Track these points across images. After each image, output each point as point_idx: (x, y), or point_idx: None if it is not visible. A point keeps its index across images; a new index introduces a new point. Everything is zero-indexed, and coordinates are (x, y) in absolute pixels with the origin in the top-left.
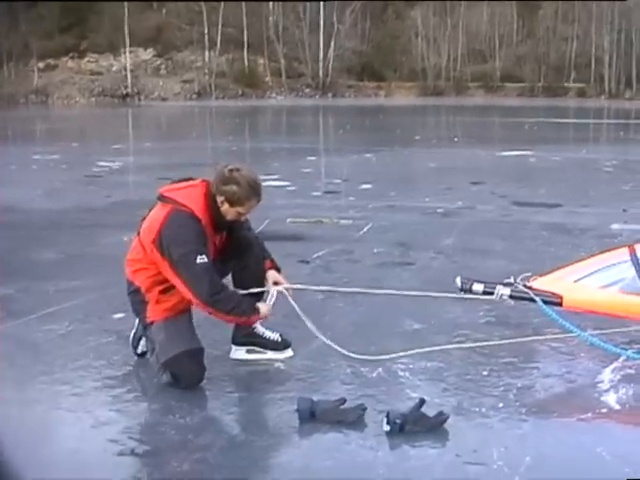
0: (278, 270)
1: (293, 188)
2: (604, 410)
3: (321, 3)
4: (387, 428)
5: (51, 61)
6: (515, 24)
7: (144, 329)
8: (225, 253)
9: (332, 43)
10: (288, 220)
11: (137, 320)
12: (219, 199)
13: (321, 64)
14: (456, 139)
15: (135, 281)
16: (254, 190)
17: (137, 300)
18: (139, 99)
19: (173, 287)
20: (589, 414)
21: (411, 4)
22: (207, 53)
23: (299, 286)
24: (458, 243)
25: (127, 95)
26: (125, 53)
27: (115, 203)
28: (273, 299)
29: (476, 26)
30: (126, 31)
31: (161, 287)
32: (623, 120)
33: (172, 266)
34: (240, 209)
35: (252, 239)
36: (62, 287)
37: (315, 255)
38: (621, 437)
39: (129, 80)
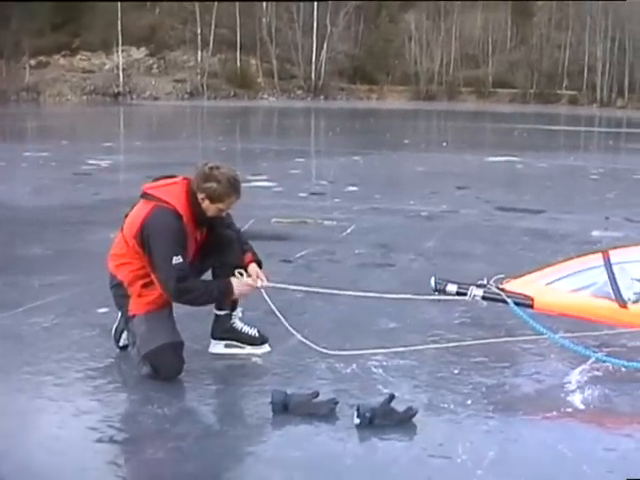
0: (259, 264)
1: (280, 189)
2: (569, 410)
3: (314, 5)
4: (357, 421)
5: (43, 58)
6: (509, 30)
7: (126, 322)
8: (206, 249)
9: (325, 45)
10: (273, 220)
11: (119, 313)
12: (200, 196)
13: (313, 66)
14: (445, 144)
15: (118, 275)
16: (234, 187)
17: (119, 294)
18: (131, 98)
19: (152, 282)
20: (554, 413)
21: (405, 7)
22: (200, 53)
23: (279, 285)
24: (439, 246)
25: (119, 94)
26: (117, 52)
27: (103, 201)
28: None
29: (469, 31)
30: (119, 30)
31: (143, 281)
32: (614, 129)
33: (150, 262)
34: (220, 205)
35: (232, 236)
36: (48, 282)
37: (298, 255)
38: (583, 436)
39: (121, 79)
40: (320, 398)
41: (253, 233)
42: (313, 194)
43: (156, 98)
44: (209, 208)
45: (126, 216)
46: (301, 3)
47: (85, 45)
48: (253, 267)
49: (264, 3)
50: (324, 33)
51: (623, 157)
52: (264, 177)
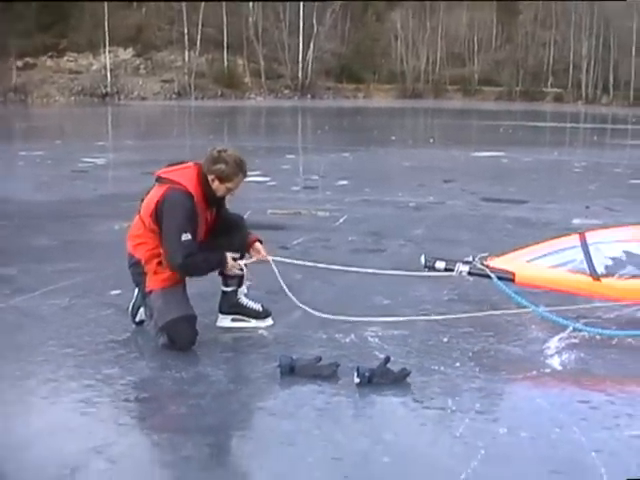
0: (260, 242)
1: (273, 183)
2: (548, 370)
3: (301, 4)
4: (357, 380)
5: (30, 60)
6: (494, 29)
7: (143, 298)
8: (215, 230)
9: (311, 44)
10: (269, 211)
11: (136, 291)
12: (210, 177)
13: (300, 65)
14: (432, 140)
15: (136, 254)
16: (240, 167)
17: (137, 272)
18: (119, 98)
19: None
20: (534, 373)
21: (391, 6)
22: (187, 53)
23: (285, 260)
24: (427, 233)
25: (107, 94)
26: (105, 52)
27: (102, 196)
28: (251, 260)
29: (455, 30)
30: (106, 30)
31: (158, 259)
32: (599, 125)
33: (161, 235)
34: (229, 185)
35: (239, 219)
36: (59, 268)
37: (294, 242)
38: (560, 391)
39: (109, 79)
40: (323, 362)
41: (251, 223)
42: (306, 188)
43: (144, 98)
44: (219, 188)
45: (141, 200)
46: (287, 3)
47: (72, 46)
48: (257, 245)
49: (250, 3)
50: (311, 32)
51: (606, 152)
52: (257, 172)
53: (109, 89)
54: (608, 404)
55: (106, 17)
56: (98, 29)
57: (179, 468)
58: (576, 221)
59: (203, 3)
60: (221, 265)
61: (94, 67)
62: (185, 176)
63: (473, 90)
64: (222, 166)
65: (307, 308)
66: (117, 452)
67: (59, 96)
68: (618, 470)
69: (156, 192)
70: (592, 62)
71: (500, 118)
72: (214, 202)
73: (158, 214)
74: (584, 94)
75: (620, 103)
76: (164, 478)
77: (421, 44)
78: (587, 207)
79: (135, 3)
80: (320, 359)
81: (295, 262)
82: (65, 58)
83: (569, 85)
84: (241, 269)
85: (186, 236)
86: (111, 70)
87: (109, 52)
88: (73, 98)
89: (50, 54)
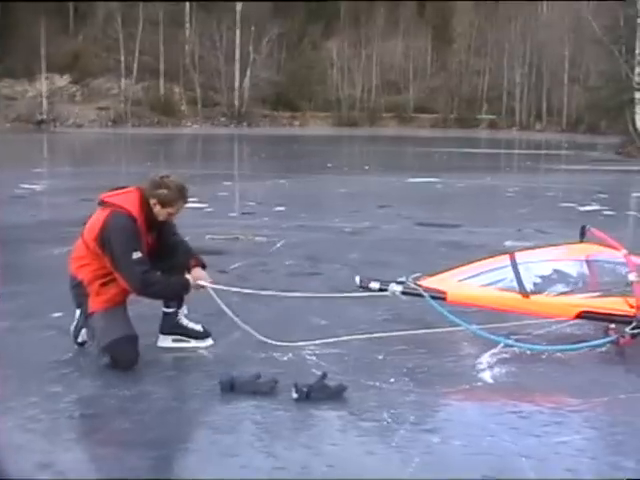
0: (203, 267)
1: (211, 209)
2: (480, 384)
3: (237, 32)
4: (295, 396)
5: None
6: (429, 57)
7: (85, 319)
8: (156, 254)
9: (248, 72)
10: (207, 237)
11: (78, 312)
12: (152, 201)
13: (237, 93)
14: (367, 167)
15: (78, 275)
16: (181, 193)
17: (79, 293)
18: (54, 125)
19: (112, 281)
20: (466, 386)
21: (327, 35)
22: (123, 80)
23: (220, 286)
24: (362, 257)
25: (42, 121)
26: (41, 79)
27: (41, 221)
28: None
29: (390, 58)
30: (42, 56)
31: (101, 281)
32: (533, 150)
33: (112, 261)
34: (170, 209)
35: (178, 244)
36: (1, 292)
37: (232, 266)
38: (491, 403)
39: (44, 106)
40: (262, 379)
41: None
42: (243, 214)
43: (79, 126)
44: (160, 213)
45: (84, 224)
46: (224, 31)
47: (7, 72)
48: (198, 270)
49: (187, 30)
50: (247, 60)
51: (539, 176)
52: (194, 199)
53: (45, 116)
54: (537, 414)
55: (42, 43)
56: (34, 55)
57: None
58: (508, 243)
59: (140, 31)
60: (185, 289)
61: (30, 94)
62: (128, 200)
63: (408, 117)
64: (164, 191)
65: (250, 330)
66: (63, 466)
67: None
68: (546, 474)
69: (99, 216)
70: (525, 89)
71: (435, 145)
72: (155, 226)
73: (103, 238)
74: (518, 120)
75: (553, 129)
76: None
77: (356, 72)
78: (519, 230)
79: (72, 29)
80: (259, 376)
81: (232, 289)
82: (1, 84)
83: (503, 112)
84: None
85: (137, 254)
86: (47, 97)
87: (45, 79)
88: (8, 125)
89: None
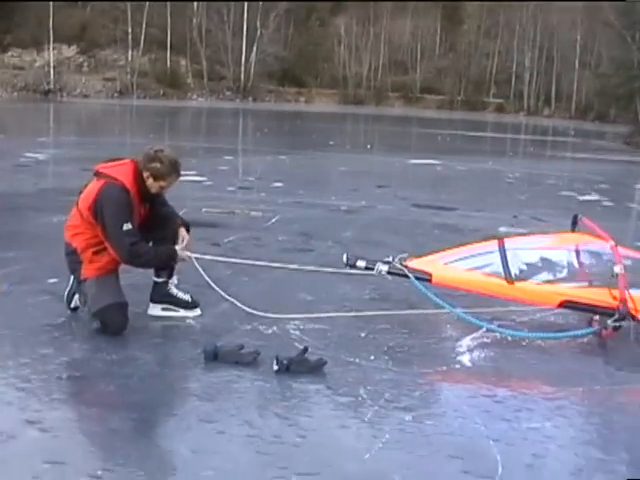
0: (187, 228)
1: (209, 183)
2: (457, 366)
3: (245, 6)
4: (276, 368)
5: None
6: (437, 37)
7: (78, 285)
8: (147, 225)
9: (255, 47)
10: (203, 210)
11: (72, 278)
12: (145, 174)
13: (243, 68)
14: (370, 147)
15: (72, 243)
16: (174, 167)
17: (73, 260)
18: (61, 95)
19: (105, 249)
20: (444, 368)
21: (335, 12)
22: (130, 52)
23: (207, 256)
24: (355, 236)
25: (49, 91)
26: (49, 49)
27: (43, 190)
28: (184, 242)
29: (399, 37)
30: (50, 27)
31: (94, 249)
32: (539, 136)
33: (104, 230)
34: (162, 183)
35: (170, 214)
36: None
37: (226, 240)
38: (466, 386)
39: (52, 76)
40: (245, 350)
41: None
42: (241, 188)
43: (86, 96)
44: (153, 185)
45: (80, 193)
46: (232, 4)
47: (16, 42)
48: (181, 230)
49: (195, 3)
50: (254, 35)
51: (542, 163)
52: (194, 172)
53: (52, 86)
54: (511, 399)
55: (51, 14)
56: (42, 26)
57: (106, 438)
58: (502, 229)
59: (147, 3)
60: (172, 259)
61: (37, 63)
62: (122, 172)
63: (415, 98)
64: (157, 165)
65: (235, 301)
66: (49, 423)
67: (2, 91)
68: (512, 457)
69: (94, 186)
70: (535, 73)
71: (440, 127)
72: (148, 198)
73: (96, 208)
74: (526, 105)
75: (561, 115)
76: (92, 447)
77: (364, 50)
78: (515, 216)
79: (80, 2)
80: (242, 347)
81: (218, 259)
82: (9, 54)
83: (511, 96)
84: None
85: (127, 226)
86: (54, 67)
87: (53, 49)
88: (16, 94)
89: None
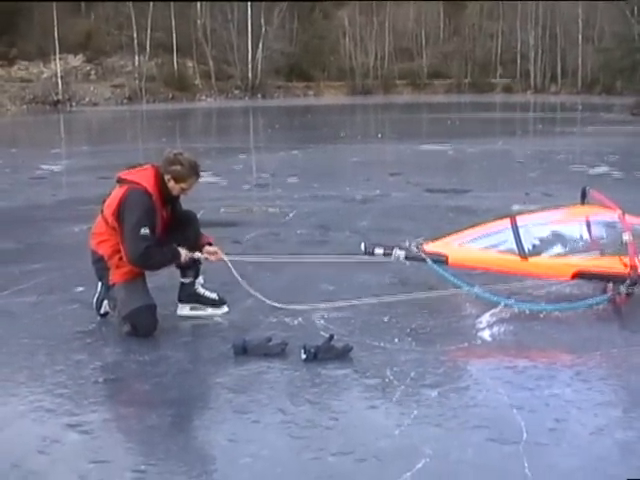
0: (210, 245)
1: (225, 183)
2: (479, 342)
3: (248, 4)
4: (304, 356)
5: None
6: (441, 22)
7: (107, 290)
8: (170, 226)
9: (260, 44)
10: (222, 209)
11: (99, 285)
12: (166, 177)
13: (250, 66)
14: (380, 135)
15: (99, 250)
16: (194, 169)
17: (100, 267)
18: (70, 105)
19: None
20: (466, 344)
21: (338, 4)
22: (136, 57)
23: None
24: (372, 224)
25: (58, 101)
26: (55, 60)
27: (61, 201)
28: (198, 255)
29: (403, 25)
30: (55, 37)
31: (120, 255)
32: (547, 114)
33: (121, 231)
34: (183, 185)
35: (191, 215)
36: (26, 269)
37: (247, 237)
38: (488, 359)
39: (60, 86)
40: (273, 342)
41: (205, 221)
42: (257, 186)
43: (95, 104)
44: (174, 188)
45: (103, 201)
46: (235, 3)
47: (22, 54)
48: (208, 248)
49: (198, 4)
50: (259, 32)
51: (550, 140)
52: (209, 173)
53: (61, 96)
54: (531, 368)
55: (55, 24)
56: (47, 37)
57: (146, 435)
58: (515, 207)
59: (151, 6)
60: (175, 257)
61: (45, 75)
62: (144, 177)
63: (422, 84)
64: (178, 167)
65: (261, 297)
66: (89, 425)
67: (11, 105)
68: (536, 424)
69: (117, 192)
70: (539, 51)
71: (449, 111)
72: (170, 200)
73: (120, 212)
74: (533, 84)
75: (568, 91)
76: (133, 444)
77: (369, 40)
78: (527, 194)
79: (84, 9)
80: (270, 339)
81: (244, 259)
82: (16, 67)
83: (517, 75)
84: (198, 259)
85: (144, 230)
86: (62, 77)
87: (59, 59)
88: (25, 106)
89: (0, 63)
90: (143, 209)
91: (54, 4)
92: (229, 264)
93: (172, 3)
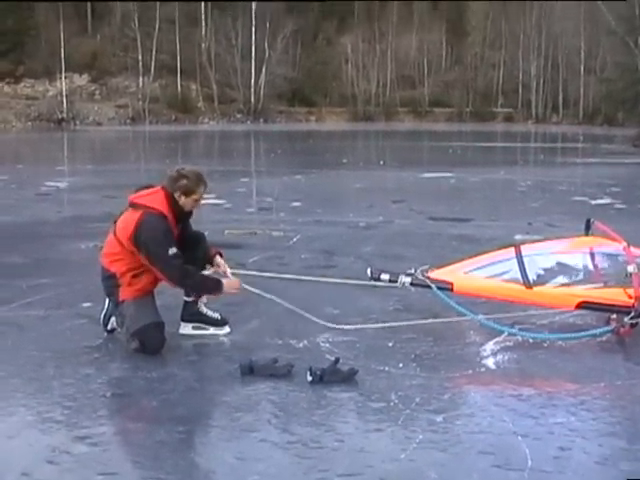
0: (221, 255)
1: (229, 205)
2: (483, 369)
3: (253, 29)
4: (310, 378)
5: None
6: (443, 51)
7: (115, 307)
8: (180, 246)
9: (263, 69)
10: (225, 232)
11: (107, 301)
12: (176, 194)
13: (253, 90)
14: (382, 162)
15: (111, 268)
16: (200, 178)
17: (111, 284)
18: (74, 124)
19: (143, 273)
20: (470, 371)
21: (341, 31)
22: (141, 79)
23: (238, 271)
24: (376, 250)
25: (63, 120)
26: (61, 78)
27: (67, 218)
28: (210, 271)
29: (405, 52)
30: (62, 57)
31: (133, 273)
32: (548, 144)
33: (150, 259)
34: (194, 196)
35: (201, 235)
36: (33, 283)
37: (251, 260)
38: (492, 387)
39: (65, 105)
40: (279, 363)
41: (208, 243)
42: (260, 209)
43: (99, 123)
44: (186, 203)
45: (114, 222)
46: (240, 28)
47: (29, 72)
48: (218, 259)
49: (203, 29)
50: (262, 57)
51: (552, 170)
52: (212, 195)
53: (65, 115)
54: (536, 397)
55: (62, 44)
56: (54, 56)
57: (153, 450)
58: (518, 237)
59: (157, 30)
60: (218, 288)
61: (50, 93)
62: (157, 200)
63: (424, 112)
64: (184, 181)
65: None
66: (98, 438)
67: (16, 122)
68: (540, 451)
69: (132, 216)
70: (541, 81)
71: (450, 139)
72: (182, 218)
73: (138, 238)
74: (534, 113)
75: (570, 121)
76: (141, 458)
77: (371, 67)
78: (529, 224)
79: (90, 30)
80: (276, 360)
81: (253, 273)
82: (22, 84)
83: (519, 105)
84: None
85: (172, 250)
86: (67, 96)
87: (65, 78)
88: (30, 123)
89: (7, 80)
90: (162, 232)
91: (61, 25)
92: (252, 289)
93: (177, 27)
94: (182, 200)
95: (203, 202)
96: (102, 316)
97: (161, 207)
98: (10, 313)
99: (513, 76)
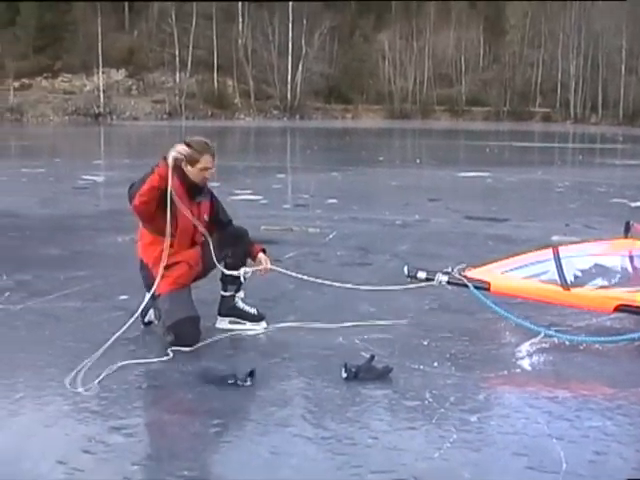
0: (264, 251)
1: (265, 201)
2: (518, 370)
3: (290, 26)
4: (344, 375)
5: (26, 80)
6: (481, 49)
7: (153, 300)
8: (221, 241)
9: (300, 66)
10: (262, 228)
11: (146, 294)
12: (182, 164)
13: (289, 86)
14: (419, 161)
15: (144, 257)
16: (205, 146)
17: (146, 275)
18: (111, 118)
19: (174, 264)
20: (505, 372)
21: (378, 28)
22: (178, 74)
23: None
24: (412, 249)
25: (99, 114)
26: (98, 73)
27: (104, 211)
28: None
29: (442, 50)
30: (99, 52)
31: (163, 263)
32: (587, 144)
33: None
34: (199, 165)
35: (243, 231)
36: (70, 275)
37: (287, 256)
38: (528, 388)
39: (101, 100)
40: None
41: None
42: (297, 206)
43: (135, 118)
44: (192, 173)
45: None
46: (277, 25)
47: (66, 67)
48: (261, 255)
49: (240, 24)
50: (299, 54)
51: (592, 171)
52: (249, 191)
53: (102, 109)
54: (571, 400)
55: (99, 39)
56: (91, 51)
57: (189, 442)
58: (555, 238)
59: (194, 26)
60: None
61: (87, 88)
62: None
63: (461, 110)
64: (189, 150)
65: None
66: (133, 429)
67: (53, 116)
68: (575, 454)
69: None
70: (580, 81)
71: (487, 138)
72: (197, 192)
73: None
74: (572, 113)
75: (609, 122)
76: (176, 449)
77: (409, 65)
78: (567, 225)
79: (127, 26)
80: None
81: (292, 274)
82: (59, 79)
83: (557, 105)
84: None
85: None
86: (104, 91)
87: (102, 73)
88: (67, 118)
89: (45, 75)
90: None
91: (99, 20)
92: (284, 271)
93: (214, 23)
94: (188, 170)
95: (241, 197)
96: (141, 307)
97: (167, 183)
98: (47, 304)
99: (552, 75)
